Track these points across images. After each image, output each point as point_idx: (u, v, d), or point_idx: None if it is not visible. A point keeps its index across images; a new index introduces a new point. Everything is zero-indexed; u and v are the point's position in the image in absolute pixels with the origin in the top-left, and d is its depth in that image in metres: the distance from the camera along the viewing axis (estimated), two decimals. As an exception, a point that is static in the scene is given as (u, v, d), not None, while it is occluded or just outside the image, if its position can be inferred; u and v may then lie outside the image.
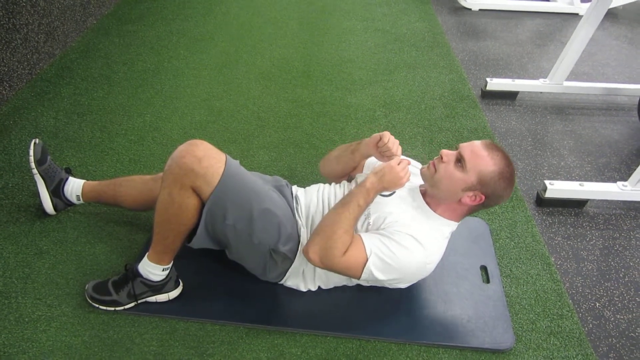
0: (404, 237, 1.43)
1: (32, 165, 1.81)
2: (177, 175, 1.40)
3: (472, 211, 1.53)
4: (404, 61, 3.23)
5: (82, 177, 2.06)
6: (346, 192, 1.61)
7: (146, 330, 1.55)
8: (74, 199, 1.86)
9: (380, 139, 1.53)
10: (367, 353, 1.52)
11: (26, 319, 1.56)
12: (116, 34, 3.35)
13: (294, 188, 1.72)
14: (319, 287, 1.65)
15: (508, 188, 1.45)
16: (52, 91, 2.69)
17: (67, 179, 1.87)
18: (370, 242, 1.43)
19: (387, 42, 3.48)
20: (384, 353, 1.53)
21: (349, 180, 1.73)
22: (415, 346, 1.55)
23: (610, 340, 1.64)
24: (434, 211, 1.53)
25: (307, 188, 1.72)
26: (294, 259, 1.56)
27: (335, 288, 1.66)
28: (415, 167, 1.69)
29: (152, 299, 1.59)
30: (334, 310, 1.62)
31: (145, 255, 1.55)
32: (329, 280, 1.63)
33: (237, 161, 1.52)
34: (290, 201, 1.63)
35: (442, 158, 1.47)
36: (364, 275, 1.43)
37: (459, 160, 1.45)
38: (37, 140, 1.84)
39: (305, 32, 3.56)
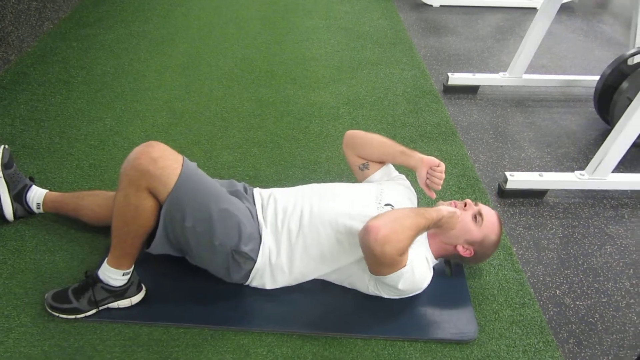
0: (422, 257, 1.54)
1: None
2: (133, 177, 1.38)
3: (451, 258, 1.73)
4: (367, 58, 3.25)
5: (41, 185, 2.01)
6: (354, 195, 1.65)
7: (108, 336, 1.51)
8: (34, 207, 1.84)
9: (439, 166, 1.64)
10: (333, 349, 1.53)
11: (-17, 332, 1.52)
12: (74, 37, 3.28)
13: (256, 190, 1.72)
14: (284, 285, 1.65)
15: (490, 256, 1.72)
16: (7, 97, 2.62)
17: (30, 185, 1.85)
18: (411, 255, 1.46)
19: (350, 40, 3.50)
20: (349, 349, 1.53)
21: (362, 169, 1.81)
22: (381, 340, 1.56)
23: (570, 326, 1.68)
24: (427, 239, 1.64)
25: (277, 190, 1.72)
26: (257, 258, 1.55)
27: (300, 287, 1.65)
28: (408, 188, 1.80)
29: (114, 304, 1.56)
30: (299, 308, 1.62)
31: (105, 261, 1.52)
32: (295, 278, 1.62)
33: (195, 163, 1.50)
34: (248, 203, 1.62)
35: (465, 205, 1.62)
36: (388, 279, 1.47)
37: (476, 217, 1.60)
38: (6, 146, 1.81)
39: (267, 32, 3.55)
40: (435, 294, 1.69)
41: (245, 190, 1.70)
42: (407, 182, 1.82)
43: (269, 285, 1.62)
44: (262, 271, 1.57)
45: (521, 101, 2.93)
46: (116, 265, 1.50)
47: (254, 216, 1.59)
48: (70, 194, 1.84)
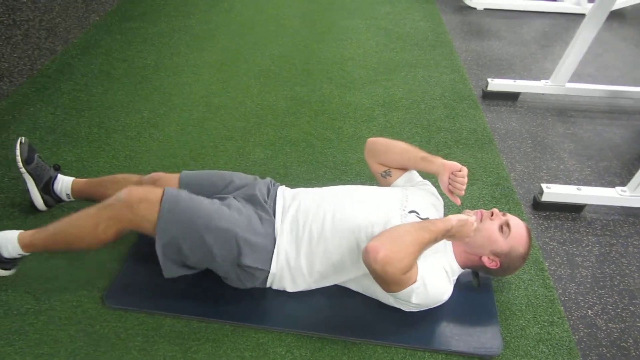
0: (441, 269, 1.52)
1: (20, 164, 1.81)
2: (119, 215, 1.45)
3: (476, 269, 1.67)
4: (406, 60, 3.20)
5: (78, 173, 2.07)
6: (378, 198, 1.63)
7: (132, 325, 1.55)
8: (64, 197, 1.88)
9: (461, 170, 1.60)
10: (352, 355, 1.51)
11: (14, 312, 1.56)
12: (118, 30, 3.36)
13: (281, 189, 1.71)
14: (305, 289, 1.64)
15: (517, 269, 1.65)
16: (51, 87, 2.70)
17: (56, 176, 1.87)
18: (422, 270, 1.44)
19: (390, 41, 3.46)
20: (369, 355, 1.52)
21: (384, 176, 1.80)
22: (401, 349, 1.54)
23: (600, 349, 1.61)
24: (452, 248, 1.61)
25: (302, 190, 1.71)
26: (269, 267, 1.54)
27: (322, 290, 1.64)
28: (435, 195, 1.76)
29: None
30: (320, 310, 1.61)
31: (18, 233, 1.54)
32: (316, 281, 1.61)
33: (179, 191, 1.52)
34: (259, 209, 1.60)
35: (492, 214, 1.58)
36: (400, 295, 1.45)
37: (503, 227, 1.56)
38: (23, 139, 1.84)
39: (307, 30, 3.55)
40: (460, 306, 1.66)
41: (268, 190, 1.70)
42: (433, 188, 1.78)
43: (289, 288, 1.62)
44: (280, 276, 1.57)
45: (563, 111, 2.84)
46: (25, 246, 1.53)
47: (263, 221, 1.57)
48: (95, 182, 1.85)
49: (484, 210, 1.62)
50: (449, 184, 1.62)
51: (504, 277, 1.76)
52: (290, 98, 2.74)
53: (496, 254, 1.57)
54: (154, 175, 1.74)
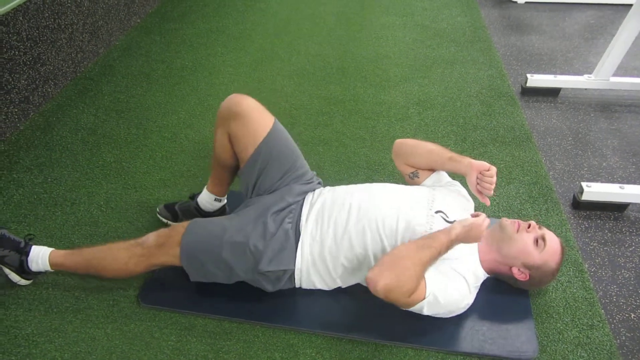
0: (459, 278, 1.49)
1: None
2: (150, 250, 1.57)
3: (503, 278, 1.65)
4: (442, 57, 3.15)
5: (116, 174, 2.17)
6: (400, 195, 1.62)
7: (166, 325, 1.58)
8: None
9: (489, 170, 1.57)
10: (382, 357, 1.51)
11: (55, 310, 1.63)
12: (158, 32, 3.43)
13: (317, 191, 1.71)
14: (339, 286, 1.64)
15: (548, 284, 1.67)
16: (94, 89, 2.79)
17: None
18: (431, 284, 1.43)
19: (426, 37, 3.41)
20: (399, 358, 1.51)
21: (412, 177, 1.79)
22: (433, 352, 1.52)
23: (644, 354, 1.55)
24: (479, 253, 1.59)
25: (335, 189, 1.71)
26: (293, 264, 1.55)
27: (352, 291, 1.64)
28: (466, 198, 1.74)
29: (9, 273, 1.66)
30: (350, 312, 1.61)
31: (50, 251, 1.64)
32: (346, 280, 1.62)
33: (193, 223, 1.60)
34: (278, 209, 1.62)
35: (528, 227, 1.56)
36: (412, 308, 1.45)
37: (541, 240, 1.54)
38: None
39: (342, 28, 3.54)
40: (494, 308, 1.63)
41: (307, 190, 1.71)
42: (462, 189, 1.75)
43: (319, 285, 1.62)
44: (306, 272, 1.57)
45: (607, 106, 2.73)
46: (54, 266, 1.64)
47: (285, 220, 1.59)
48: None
49: (521, 221, 1.58)
50: (477, 184, 1.59)
51: (530, 289, 1.71)
52: (324, 97, 2.74)
53: (528, 267, 1.55)
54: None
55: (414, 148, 1.78)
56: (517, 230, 1.56)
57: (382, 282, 1.34)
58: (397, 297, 1.37)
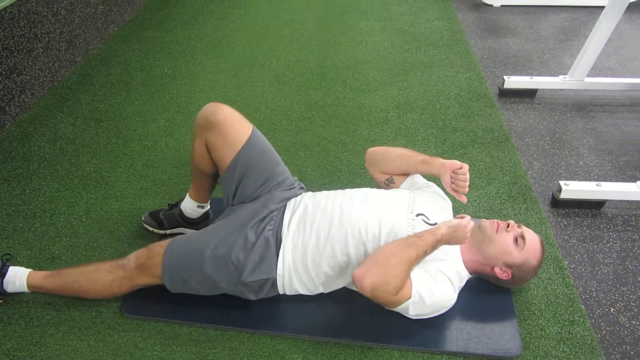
0: (444, 279, 1.49)
1: None
2: (132, 272, 1.58)
3: (485, 277, 1.67)
4: (421, 61, 3.19)
5: (96, 184, 2.14)
6: (381, 200, 1.62)
7: (150, 334, 1.57)
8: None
9: (462, 168, 1.59)
10: (368, 359, 1.51)
11: (35, 323, 1.60)
12: (136, 40, 3.42)
13: (299, 197, 1.71)
14: (322, 292, 1.64)
15: (527, 282, 1.68)
16: (72, 98, 2.76)
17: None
18: (417, 283, 1.44)
19: (405, 41, 3.44)
20: None
21: (387, 183, 1.80)
22: (419, 353, 1.53)
23: (624, 347, 1.58)
24: (461, 254, 1.60)
25: (315, 195, 1.71)
26: (274, 275, 1.55)
27: (336, 295, 1.64)
28: (442, 197, 1.75)
29: None
30: (335, 316, 1.62)
31: (28, 272, 1.60)
32: (328, 286, 1.62)
33: (173, 241, 1.60)
34: (260, 218, 1.61)
35: (507, 226, 1.58)
36: (397, 309, 1.45)
37: (520, 239, 1.57)
38: None
39: (321, 34, 3.56)
40: (477, 307, 1.65)
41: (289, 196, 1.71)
42: (438, 189, 1.77)
43: (302, 291, 1.62)
44: (288, 279, 1.57)
45: (582, 106, 2.78)
46: (32, 287, 1.61)
47: (265, 228, 1.58)
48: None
49: (500, 221, 1.61)
50: (452, 183, 1.61)
51: (512, 288, 1.73)
52: (305, 103, 2.75)
53: (509, 266, 1.57)
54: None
55: (386, 155, 1.80)
56: (497, 231, 1.58)
57: (369, 280, 1.35)
58: (383, 295, 1.37)
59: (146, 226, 1.92)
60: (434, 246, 1.45)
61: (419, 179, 1.80)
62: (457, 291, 1.55)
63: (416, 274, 1.45)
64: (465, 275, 1.60)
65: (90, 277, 1.58)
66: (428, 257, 1.48)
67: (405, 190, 1.72)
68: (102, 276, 1.57)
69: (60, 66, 2.93)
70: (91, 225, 1.96)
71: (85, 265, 1.62)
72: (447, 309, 1.53)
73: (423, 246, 1.42)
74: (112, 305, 1.65)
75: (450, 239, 1.47)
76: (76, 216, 1.99)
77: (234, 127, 1.65)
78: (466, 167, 1.59)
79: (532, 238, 1.59)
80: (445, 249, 1.52)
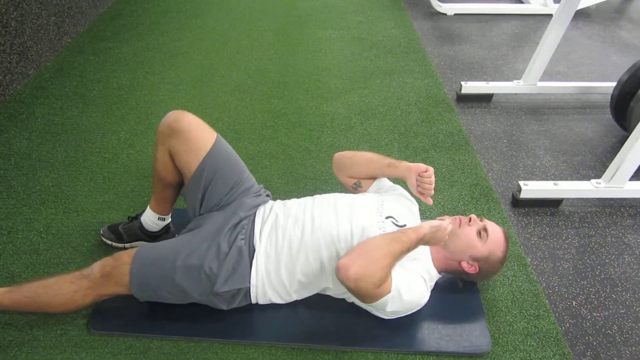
0: (419, 277, 1.52)
1: None
2: (97, 281, 1.50)
3: (454, 274, 1.70)
4: (380, 68, 3.24)
5: (56, 199, 2.06)
6: (357, 204, 1.63)
7: (119, 350, 1.52)
8: None
9: (427, 171, 1.62)
10: (343, 363, 1.52)
11: (-4, 345, 1.54)
12: (91, 51, 3.34)
13: (269, 204, 1.70)
14: (295, 299, 1.64)
15: (497, 273, 1.68)
16: (25, 112, 2.67)
17: None
18: (397, 278, 1.45)
19: (363, 49, 3.50)
20: (360, 362, 1.52)
21: (354, 188, 1.81)
22: (392, 354, 1.55)
23: (587, 338, 1.64)
24: (430, 254, 1.62)
25: (285, 203, 1.70)
26: (247, 284, 1.53)
27: (309, 300, 1.64)
28: (409, 200, 1.78)
29: None
30: (309, 321, 1.61)
31: None
32: (302, 293, 1.61)
33: (140, 250, 1.55)
34: (231, 226, 1.59)
35: (469, 221, 1.61)
36: (376, 303, 1.44)
37: (481, 232, 1.59)
38: None
39: (281, 43, 3.57)
40: (447, 306, 1.68)
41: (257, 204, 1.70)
42: (404, 191, 1.79)
43: (275, 300, 1.61)
44: (262, 289, 1.56)
45: (536, 109, 2.89)
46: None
47: (238, 238, 1.56)
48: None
49: (462, 217, 1.64)
50: (418, 185, 1.64)
51: (482, 281, 1.78)
52: (267, 111, 2.75)
53: (475, 259, 1.60)
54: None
55: (353, 159, 1.82)
56: (460, 226, 1.61)
57: (354, 270, 1.34)
58: (366, 286, 1.36)
59: (105, 240, 1.87)
60: (416, 244, 1.46)
61: (385, 182, 1.83)
62: (429, 290, 1.58)
63: (395, 270, 1.46)
64: (435, 275, 1.63)
65: (51, 290, 1.50)
66: (407, 258, 1.50)
67: (373, 194, 1.74)
68: (65, 287, 1.49)
69: (12, 79, 2.83)
70: (52, 241, 1.89)
71: (46, 278, 1.54)
72: (420, 307, 1.55)
73: (407, 242, 1.43)
74: (78, 323, 1.59)
75: (430, 239, 1.48)
76: (36, 232, 1.92)
77: (197, 134, 1.64)
78: (431, 170, 1.62)
79: (495, 230, 1.62)
80: (418, 249, 1.53)
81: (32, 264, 1.80)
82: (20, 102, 2.75)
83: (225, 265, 1.50)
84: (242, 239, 1.56)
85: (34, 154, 2.36)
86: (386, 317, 1.56)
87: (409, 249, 1.44)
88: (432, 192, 1.63)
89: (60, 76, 3.03)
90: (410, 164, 1.66)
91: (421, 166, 1.63)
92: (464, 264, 1.61)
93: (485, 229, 1.60)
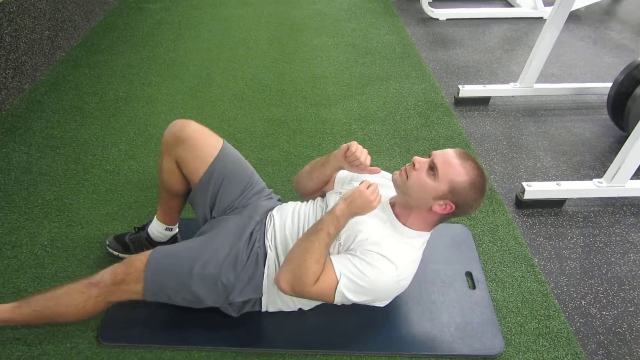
0: (374, 256, 1.40)
1: None
2: (108, 289, 1.46)
3: (442, 220, 1.50)
4: (376, 74, 3.26)
5: (59, 212, 2.05)
6: (318, 211, 1.60)
7: (131, 363, 1.51)
8: None
9: (348, 148, 1.53)
10: (357, 369, 1.51)
11: (5, 361, 1.51)
12: (86, 64, 3.33)
13: (275, 211, 1.68)
14: (300, 308, 1.62)
15: (479, 198, 1.45)
16: (23, 126, 2.65)
17: None
18: (340, 265, 1.40)
19: (358, 56, 3.51)
20: (374, 367, 1.52)
21: (322, 196, 1.72)
22: (405, 358, 1.54)
23: (598, 337, 1.64)
24: (404, 224, 1.49)
25: (283, 205, 1.69)
26: (261, 294, 1.53)
27: (320, 306, 1.62)
28: (386, 178, 1.67)
29: None
30: (321, 327, 1.61)
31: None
32: (311, 301, 1.59)
33: (154, 257, 1.50)
34: (249, 232, 1.58)
35: (414, 165, 1.44)
36: (337, 299, 1.41)
37: (432, 169, 1.41)
38: None
39: (276, 52, 3.58)
40: (458, 308, 1.68)
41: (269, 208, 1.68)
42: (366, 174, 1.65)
43: (284, 308, 1.60)
44: (273, 299, 1.56)
45: (533, 111, 2.92)
46: (1, 322, 1.50)
47: (255, 244, 1.55)
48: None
49: (407, 165, 1.48)
50: (351, 165, 1.56)
51: (470, 214, 1.67)
52: (267, 119, 2.75)
53: (439, 197, 1.41)
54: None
55: (300, 177, 1.78)
56: (407, 176, 1.45)
57: (283, 279, 1.38)
58: (303, 287, 1.36)
59: (111, 250, 1.86)
60: (337, 224, 1.40)
61: (341, 176, 1.73)
62: (412, 265, 1.49)
63: (339, 259, 1.42)
64: (420, 238, 1.51)
65: (62, 301, 1.47)
66: (362, 245, 1.43)
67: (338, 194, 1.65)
68: (75, 298, 1.46)
69: (8, 94, 2.81)
70: (57, 254, 1.88)
71: (54, 289, 1.49)
72: (402, 289, 1.48)
73: (324, 229, 1.39)
74: (88, 335, 1.58)
75: (356, 209, 1.40)
76: (40, 246, 1.90)
77: (204, 141, 1.63)
78: (353, 145, 1.53)
79: (444, 159, 1.41)
80: (379, 231, 1.46)
81: (37, 278, 1.78)
82: (17, 117, 2.73)
83: (242, 276, 1.49)
84: (259, 247, 1.55)
85: (34, 167, 2.34)
86: (382, 305, 1.54)
87: (329, 234, 1.39)
88: (368, 162, 1.54)
89: (56, 90, 3.02)
90: (335, 151, 1.60)
91: (343, 147, 1.56)
92: (436, 208, 1.42)
93: (432, 164, 1.41)
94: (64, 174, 2.30)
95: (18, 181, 2.25)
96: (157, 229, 1.81)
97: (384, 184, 1.60)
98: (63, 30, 3.44)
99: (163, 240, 1.83)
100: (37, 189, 2.20)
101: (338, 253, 1.48)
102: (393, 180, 1.50)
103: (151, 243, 1.82)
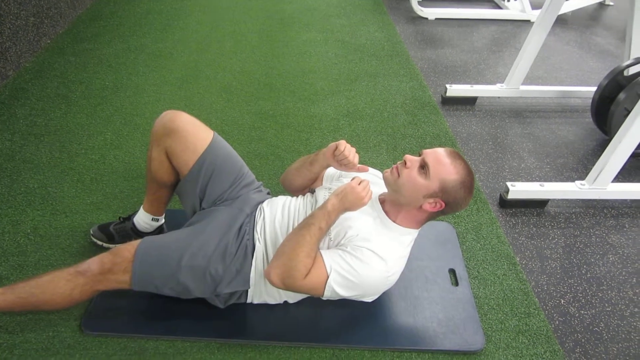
0: (365, 252, 1.42)
1: None
2: (95, 278, 1.45)
3: (431, 218, 1.52)
4: (365, 70, 3.27)
5: (42, 200, 2.02)
6: (308, 206, 1.61)
7: (114, 351, 1.50)
8: None
9: (337, 147, 1.54)
10: (340, 362, 1.52)
11: (-14, 349, 1.50)
12: (72, 52, 3.28)
13: (265, 204, 1.68)
14: (286, 301, 1.63)
15: (468, 197, 1.46)
16: (6, 113, 2.61)
17: None
18: (331, 259, 1.41)
19: (348, 52, 3.52)
20: (357, 361, 1.53)
21: (312, 193, 1.72)
22: (388, 352, 1.56)
23: (576, 335, 1.68)
24: (394, 221, 1.51)
25: (273, 199, 1.70)
26: (248, 286, 1.53)
27: (305, 299, 1.64)
28: (375, 175, 1.69)
29: None
30: (306, 320, 1.62)
31: None
32: (297, 295, 1.61)
33: (143, 246, 1.49)
34: (239, 225, 1.58)
35: (405, 163, 1.45)
36: (326, 293, 1.42)
37: (422, 167, 1.43)
38: None
39: (265, 45, 3.57)
40: (441, 305, 1.70)
41: (259, 201, 1.68)
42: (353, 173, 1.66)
43: (269, 301, 1.61)
44: (259, 290, 1.56)
45: (519, 112, 2.95)
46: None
47: (244, 237, 1.55)
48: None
49: (398, 163, 1.49)
50: (339, 164, 1.57)
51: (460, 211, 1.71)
52: (255, 113, 2.75)
53: (430, 196, 1.43)
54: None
55: (287, 175, 1.78)
56: (398, 174, 1.46)
57: (273, 273, 1.38)
58: (293, 281, 1.38)
59: (95, 240, 1.84)
60: (328, 219, 1.42)
61: (329, 173, 1.74)
62: (400, 262, 1.51)
63: (329, 254, 1.43)
64: (409, 235, 1.53)
65: (47, 288, 1.45)
66: (353, 241, 1.44)
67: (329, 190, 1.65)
68: (61, 286, 1.44)
69: (-8, 79, 2.77)
70: (40, 242, 1.86)
71: (39, 276, 1.47)
72: (390, 284, 1.51)
73: (316, 223, 1.41)
74: (70, 324, 1.57)
75: (346, 205, 1.43)
76: (22, 234, 1.88)
77: (194, 132, 1.63)
78: (342, 144, 1.54)
79: (435, 158, 1.43)
80: (367, 227, 1.47)
81: (19, 266, 1.76)
82: (1, 103, 2.69)
83: (230, 267, 1.50)
84: (248, 239, 1.55)
85: (17, 155, 2.31)
86: (369, 300, 1.56)
87: (321, 229, 1.41)
88: (356, 160, 1.55)
89: (40, 77, 2.98)
90: (324, 149, 1.60)
91: (331, 146, 1.56)
92: (426, 206, 1.44)
93: (424, 163, 1.43)
94: (48, 162, 2.28)
95: (1, 168, 2.22)
96: (143, 219, 1.80)
97: (373, 181, 1.62)
98: (49, 17, 3.40)
99: (149, 231, 1.82)
100: (20, 177, 2.17)
101: (328, 248, 1.49)
102: (384, 177, 1.51)
103: (137, 233, 1.81)
